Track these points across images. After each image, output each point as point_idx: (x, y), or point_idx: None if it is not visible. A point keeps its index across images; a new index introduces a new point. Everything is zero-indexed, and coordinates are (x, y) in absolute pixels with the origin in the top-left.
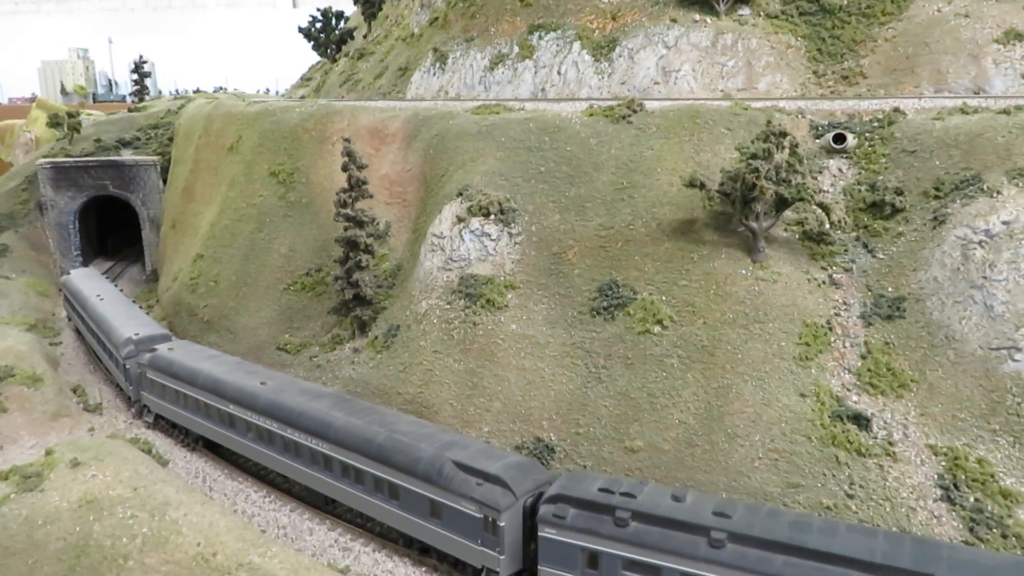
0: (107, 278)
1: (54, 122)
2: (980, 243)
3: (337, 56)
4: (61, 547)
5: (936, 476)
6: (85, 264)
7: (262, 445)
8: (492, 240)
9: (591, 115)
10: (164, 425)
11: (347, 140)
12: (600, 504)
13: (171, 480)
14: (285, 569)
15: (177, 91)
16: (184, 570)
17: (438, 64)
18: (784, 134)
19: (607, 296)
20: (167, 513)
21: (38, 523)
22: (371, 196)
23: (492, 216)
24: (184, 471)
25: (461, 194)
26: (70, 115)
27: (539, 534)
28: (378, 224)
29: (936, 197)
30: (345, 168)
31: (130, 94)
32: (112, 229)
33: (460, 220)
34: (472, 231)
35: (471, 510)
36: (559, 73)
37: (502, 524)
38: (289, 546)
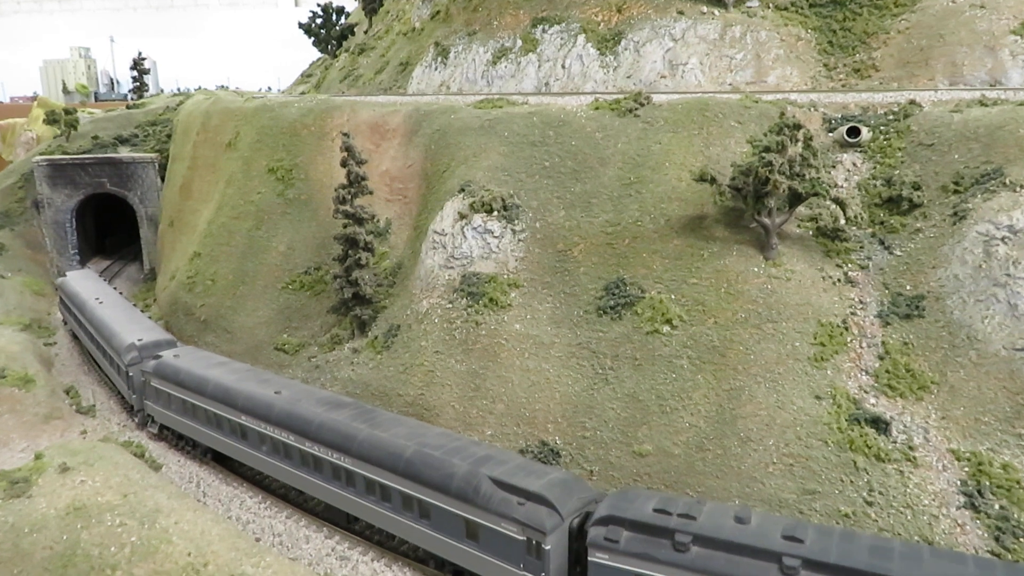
0: (105, 279)
1: (51, 119)
2: (1003, 239)
3: (337, 52)
4: (47, 556)
5: (959, 482)
6: (83, 263)
7: (277, 459)
8: (495, 237)
9: (597, 109)
10: (170, 436)
11: (346, 135)
12: (657, 527)
13: (163, 486)
14: None
15: (179, 89)
16: None
17: (440, 59)
18: (798, 126)
19: (614, 295)
20: (157, 521)
21: (24, 531)
22: (371, 192)
23: (495, 212)
24: (178, 476)
25: (463, 190)
26: (67, 112)
27: (589, 559)
28: (378, 221)
29: (955, 192)
30: (344, 163)
31: (129, 90)
32: (110, 228)
33: (462, 217)
34: (475, 228)
35: (512, 532)
36: (563, 67)
37: (547, 547)
38: (284, 555)
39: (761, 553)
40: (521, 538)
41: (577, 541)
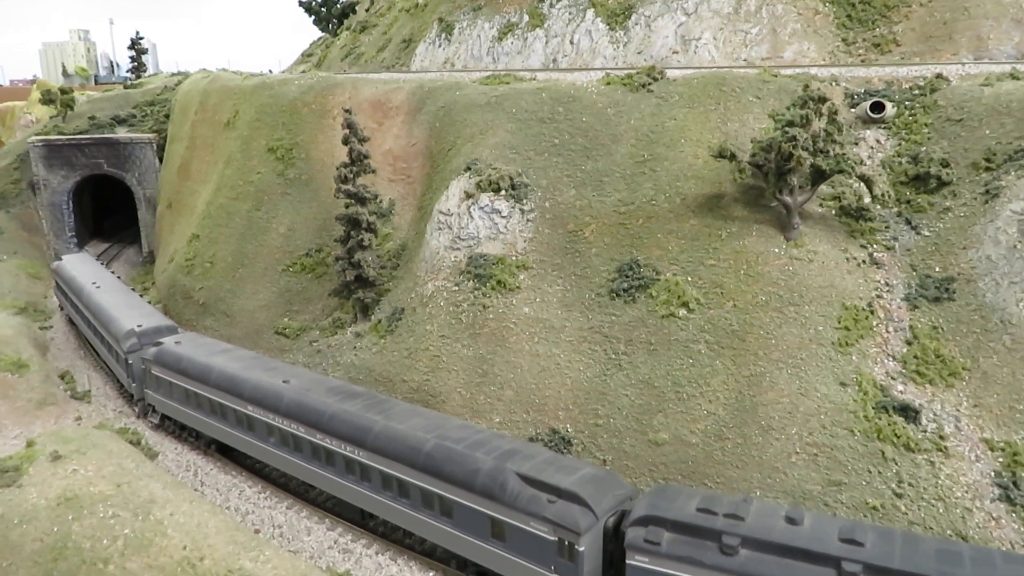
0: (103, 262)
1: (46, 99)
2: None
3: (338, 30)
4: (38, 548)
5: (993, 473)
6: (80, 246)
7: (286, 452)
8: (503, 217)
9: (608, 84)
10: (171, 426)
11: (348, 111)
12: (702, 527)
13: (158, 475)
14: (278, 575)
15: (179, 71)
16: None
17: (444, 35)
18: (823, 99)
19: (627, 277)
20: (152, 512)
21: (14, 522)
22: (373, 171)
23: (503, 192)
24: (175, 464)
25: (469, 168)
26: (63, 91)
27: (627, 562)
28: (381, 201)
29: (987, 168)
30: (346, 141)
31: (127, 70)
32: (109, 210)
33: (468, 196)
34: (481, 208)
35: (543, 532)
36: (572, 43)
37: (581, 549)
38: (284, 547)
39: (817, 557)
40: (552, 538)
41: (613, 542)
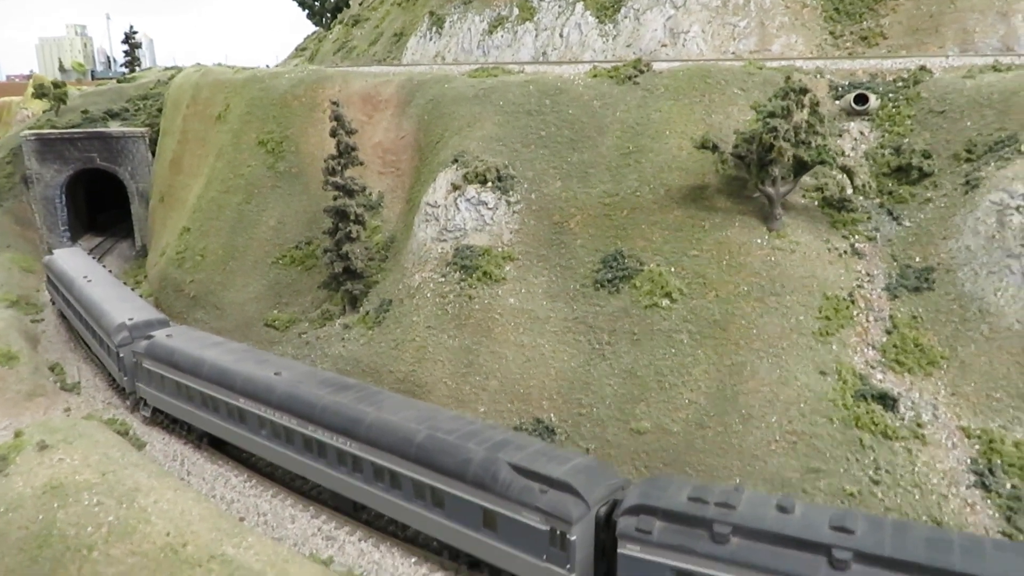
0: (96, 256)
1: (39, 92)
2: (1018, 208)
3: (331, 24)
4: (23, 536)
5: (969, 461)
6: (74, 240)
7: (278, 444)
8: (489, 209)
9: (595, 76)
10: (163, 420)
11: (335, 103)
12: (693, 516)
13: (144, 464)
14: (261, 561)
15: (173, 65)
16: (151, 562)
17: (434, 28)
18: (804, 91)
19: (612, 267)
20: (136, 500)
21: (0, 511)
22: (362, 164)
23: (489, 183)
24: (161, 454)
25: (456, 161)
26: (55, 85)
27: (619, 551)
28: (370, 194)
29: (968, 160)
30: (334, 133)
31: (121, 65)
32: (102, 204)
33: (455, 188)
34: (468, 199)
35: (534, 521)
36: (561, 36)
37: (573, 538)
38: (268, 535)
39: (808, 545)
40: (544, 528)
41: (604, 531)
